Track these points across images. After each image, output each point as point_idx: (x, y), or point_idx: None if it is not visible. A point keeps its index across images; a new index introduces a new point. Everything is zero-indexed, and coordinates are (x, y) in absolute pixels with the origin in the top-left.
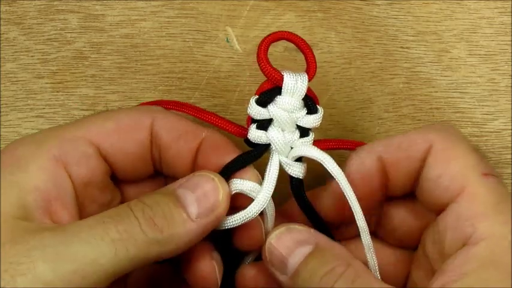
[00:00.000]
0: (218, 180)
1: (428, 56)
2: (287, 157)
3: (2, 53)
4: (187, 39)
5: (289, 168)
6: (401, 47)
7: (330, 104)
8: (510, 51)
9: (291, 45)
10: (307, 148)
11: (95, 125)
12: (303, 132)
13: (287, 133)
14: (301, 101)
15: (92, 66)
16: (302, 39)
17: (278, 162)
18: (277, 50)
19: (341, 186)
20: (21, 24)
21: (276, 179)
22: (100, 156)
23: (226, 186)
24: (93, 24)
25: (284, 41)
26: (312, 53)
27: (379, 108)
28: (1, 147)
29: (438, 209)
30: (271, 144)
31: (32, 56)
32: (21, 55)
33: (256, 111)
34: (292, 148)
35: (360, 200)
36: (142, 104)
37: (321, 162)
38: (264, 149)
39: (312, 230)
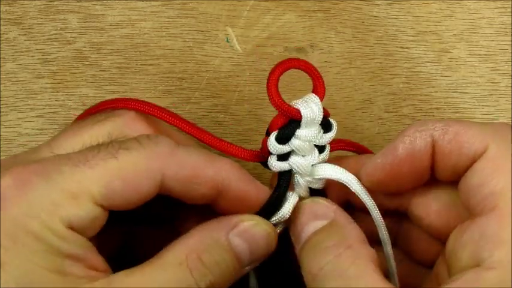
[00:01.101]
0: (268, 227)
1: (429, 56)
2: (309, 175)
3: (2, 53)
4: (187, 39)
5: (313, 185)
6: (402, 47)
7: (330, 104)
8: (510, 51)
9: (291, 45)
10: (331, 169)
11: (99, 182)
12: (321, 148)
13: (307, 156)
14: (319, 131)
15: (92, 66)
16: (308, 63)
17: (304, 183)
18: (277, 50)
19: (366, 205)
20: (22, 24)
21: (296, 195)
22: (104, 211)
23: (274, 231)
24: (93, 24)
25: (284, 40)
26: (319, 75)
27: (379, 108)
28: (1, 148)
29: (470, 213)
30: (294, 170)
31: (32, 56)
32: (21, 55)
33: (277, 149)
34: (313, 166)
35: (402, 179)
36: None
37: (346, 183)
38: (288, 177)
39: (335, 207)
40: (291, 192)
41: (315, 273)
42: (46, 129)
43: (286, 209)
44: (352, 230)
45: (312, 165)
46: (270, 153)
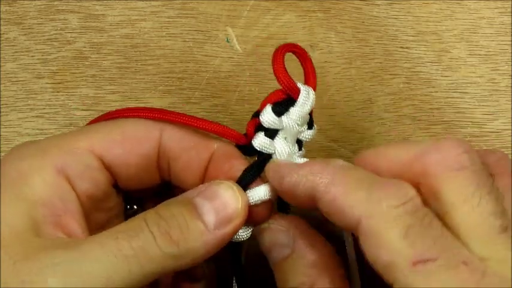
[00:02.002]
0: (237, 189)
1: (429, 56)
2: None
3: (2, 53)
4: (188, 39)
5: None
6: (402, 47)
7: (330, 104)
8: (510, 51)
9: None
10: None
11: (99, 136)
12: (299, 145)
13: (291, 145)
14: (308, 118)
15: (92, 66)
16: (307, 55)
17: None
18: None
19: None
20: (22, 24)
21: None
22: (103, 167)
23: (245, 196)
24: (94, 24)
25: (284, 40)
26: (311, 64)
27: (379, 108)
28: (1, 148)
29: None
30: (276, 153)
31: (32, 56)
32: (21, 55)
33: (270, 119)
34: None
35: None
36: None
37: None
38: (267, 158)
39: (294, 232)
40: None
41: None
42: (46, 129)
43: (261, 190)
44: (311, 262)
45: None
46: (257, 131)
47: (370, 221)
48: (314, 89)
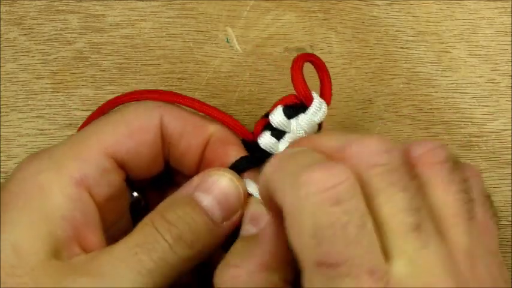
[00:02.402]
0: (236, 179)
1: (429, 56)
2: None
3: (2, 53)
4: (188, 40)
5: None
6: (402, 47)
7: (330, 104)
8: (510, 51)
9: (291, 45)
10: None
11: (108, 134)
12: None
13: None
14: (317, 127)
15: (92, 66)
16: (324, 65)
17: None
18: (277, 51)
19: None
20: (22, 25)
21: None
22: (117, 166)
23: (243, 185)
24: (94, 25)
25: (284, 41)
26: (328, 78)
27: (379, 108)
28: (1, 148)
29: None
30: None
31: (32, 57)
32: (21, 55)
33: (280, 119)
34: None
35: None
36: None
37: None
38: (268, 157)
39: (268, 218)
40: None
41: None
42: (46, 129)
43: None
44: (265, 253)
45: None
46: (264, 130)
47: (287, 208)
48: (328, 103)
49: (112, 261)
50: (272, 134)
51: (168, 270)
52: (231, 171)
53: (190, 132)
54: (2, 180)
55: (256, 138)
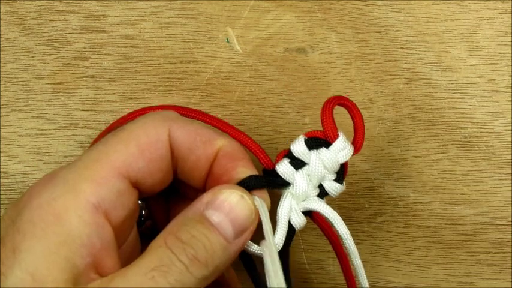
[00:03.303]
0: (247, 197)
1: (429, 56)
2: (297, 204)
3: (2, 53)
4: (188, 40)
5: (294, 216)
6: (402, 48)
7: (357, 152)
8: (510, 51)
9: (291, 46)
10: (321, 204)
11: (119, 153)
12: (320, 193)
13: (311, 185)
14: (338, 165)
15: (92, 66)
16: (359, 112)
17: (290, 206)
18: (277, 51)
19: (348, 247)
20: (22, 25)
21: (287, 221)
22: (131, 186)
23: (253, 202)
24: (94, 25)
25: (284, 41)
26: (363, 127)
27: (379, 108)
28: (1, 148)
29: None
30: (294, 185)
31: (32, 57)
32: (21, 56)
33: (300, 148)
34: (304, 200)
35: None
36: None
37: (331, 220)
38: (283, 184)
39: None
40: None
41: None
42: (46, 129)
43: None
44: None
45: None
46: (284, 157)
47: None
48: (357, 149)
49: (129, 285)
50: (291, 163)
51: None
52: (241, 188)
53: (199, 146)
54: (1, 180)
55: (275, 165)
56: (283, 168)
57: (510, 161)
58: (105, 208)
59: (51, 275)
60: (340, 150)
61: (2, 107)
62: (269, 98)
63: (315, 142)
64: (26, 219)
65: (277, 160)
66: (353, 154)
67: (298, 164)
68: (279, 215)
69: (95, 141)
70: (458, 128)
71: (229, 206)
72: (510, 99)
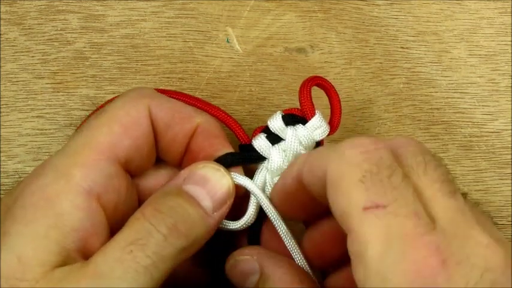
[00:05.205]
0: (224, 171)
1: (429, 56)
2: (272, 179)
3: (2, 53)
4: (188, 40)
5: (268, 190)
6: (402, 47)
7: (333, 132)
8: (510, 51)
9: (292, 45)
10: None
11: (104, 135)
12: None
13: (286, 162)
14: (314, 143)
15: (92, 66)
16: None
17: (264, 180)
18: (277, 51)
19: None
20: (22, 25)
21: (261, 194)
22: (121, 169)
23: (231, 176)
24: (94, 25)
25: (284, 41)
26: (339, 108)
27: (379, 108)
28: (1, 147)
29: None
30: (270, 160)
31: (32, 57)
32: (21, 55)
33: (277, 124)
34: (278, 176)
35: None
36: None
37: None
38: (258, 159)
39: (256, 257)
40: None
41: None
42: (46, 129)
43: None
44: (280, 278)
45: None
46: (260, 132)
47: (332, 168)
48: (333, 129)
49: (107, 262)
50: (267, 138)
51: (165, 263)
52: (220, 165)
53: (177, 123)
54: (1, 179)
55: (252, 140)
56: (260, 142)
57: (510, 160)
58: (96, 192)
59: (38, 257)
60: (317, 128)
61: (2, 106)
62: (269, 98)
63: (292, 118)
64: (18, 205)
65: (254, 136)
66: (329, 134)
67: (274, 139)
68: (253, 188)
69: (79, 127)
70: (459, 127)
71: (207, 180)
72: (510, 98)
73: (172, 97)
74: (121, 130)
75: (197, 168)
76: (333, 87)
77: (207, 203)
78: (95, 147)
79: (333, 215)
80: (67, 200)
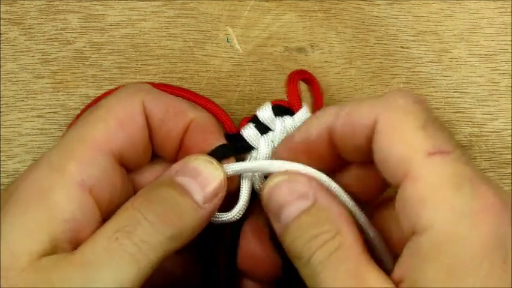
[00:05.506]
0: (216, 163)
1: (429, 56)
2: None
3: (2, 53)
4: (188, 39)
5: (256, 180)
6: (402, 47)
7: (330, 104)
8: (510, 51)
9: (292, 45)
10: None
11: (100, 130)
12: None
13: (272, 151)
14: None
15: (92, 66)
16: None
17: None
18: (277, 50)
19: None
20: (22, 24)
21: (250, 184)
22: (116, 163)
23: (223, 168)
24: (94, 24)
25: (284, 40)
26: (322, 101)
27: None
28: (1, 147)
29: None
30: (258, 149)
31: (32, 56)
32: (21, 55)
33: (266, 114)
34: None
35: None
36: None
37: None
38: (247, 149)
39: (314, 183)
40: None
41: (305, 261)
42: (46, 129)
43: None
44: (336, 212)
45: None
46: (249, 122)
47: (387, 116)
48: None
49: (94, 250)
50: (256, 127)
51: (152, 251)
52: (213, 158)
53: (171, 117)
54: (1, 179)
55: (240, 129)
56: (249, 131)
57: (510, 160)
58: (90, 185)
59: (26, 247)
60: (303, 120)
61: (2, 106)
62: (269, 98)
63: (281, 109)
64: (12, 199)
65: (241, 124)
66: None
67: (262, 129)
68: (242, 177)
69: (72, 124)
70: (459, 127)
71: (199, 172)
72: (510, 98)
73: (161, 89)
74: (116, 125)
75: (189, 161)
76: (316, 80)
77: (198, 194)
78: (90, 142)
79: (383, 164)
80: (60, 192)
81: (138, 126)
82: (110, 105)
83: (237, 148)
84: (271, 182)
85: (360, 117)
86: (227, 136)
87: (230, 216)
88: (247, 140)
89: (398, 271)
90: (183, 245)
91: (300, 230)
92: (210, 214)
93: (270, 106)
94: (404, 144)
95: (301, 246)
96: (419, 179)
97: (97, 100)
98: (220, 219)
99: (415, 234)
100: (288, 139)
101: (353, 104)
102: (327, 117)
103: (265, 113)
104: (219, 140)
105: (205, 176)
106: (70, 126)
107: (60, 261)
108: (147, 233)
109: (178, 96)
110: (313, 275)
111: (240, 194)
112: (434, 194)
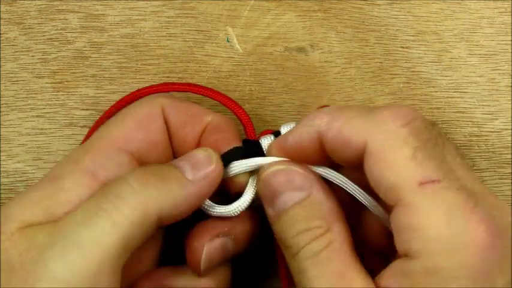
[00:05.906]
0: (211, 150)
1: (429, 55)
2: None
3: (2, 52)
4: (188, 39)
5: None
6: (402, 47)
7: (330, 103)
8: (510, 51)
9: (292, 45)
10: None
11: (119, 129)
12: None
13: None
14: None
15: (92, 66)
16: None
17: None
18: (277, 50)
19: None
20: (22, 24)
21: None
22: (134, 160)
23: (218, 156)
24: (94, 24)
25: (284, 40)
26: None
27: None
28: (1, 147)
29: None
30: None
31: (32, 56)
32: (21, 55)
33: (290, 127)
34: None
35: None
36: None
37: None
38: (261, 155)
39: (312, 177)
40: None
41: (293, 253)
42: (46, 128)
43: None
44: (329, 208)
45: None
46: (271, 133)
47: (376, 142)
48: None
49: (76, 212)
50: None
51: (127, 208)
52: (210, 148)
53: (189, 121)
54: (1, 179)
55: (260, 138)
56: (268, 140)
57: (510, 160)
58: (102, 176)
59: (21, 217)
60: None
61: (2, 106)
62: (269, 97)
63: None
64: (29, 187)
65: (262, 135)
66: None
67: None
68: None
69: (92, 129)
70: (458, 127)
71: (192, 155)
72: (510, 98)
73: (190, 89)
74: (135, 125)
75: (189, 152)
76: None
77: (188, 173)
78: (107, 139)
79: (374, 186)
80: (69, 177)
81: (156, 128)
82: (129, 109)
83: (251, 152)
84: (270, 168)
85: (350, 136)
86: (246, 141)
87: (228, 210)
88: (264, 149)
89: (386, 281)
90: (173, 216)
91: (291, 221)
92: (198, 190)
93: (295, 124)
94: (394, 174)
95: (290, 238)
96: (410, 208)
97: (117, 105)
98: (217, 211)
99: (408, 256)
100: (281, 140)
101: (344, 119)
102: (318, 126)
103: (288, 129)
104: (233, 141)
105: (197, 158)
106: (89, 132)
107: (45, 226)
108: (123, 191)
109: (206, 96)
110: (300, 270)
111: (245, 192)
112: (426, 224)
